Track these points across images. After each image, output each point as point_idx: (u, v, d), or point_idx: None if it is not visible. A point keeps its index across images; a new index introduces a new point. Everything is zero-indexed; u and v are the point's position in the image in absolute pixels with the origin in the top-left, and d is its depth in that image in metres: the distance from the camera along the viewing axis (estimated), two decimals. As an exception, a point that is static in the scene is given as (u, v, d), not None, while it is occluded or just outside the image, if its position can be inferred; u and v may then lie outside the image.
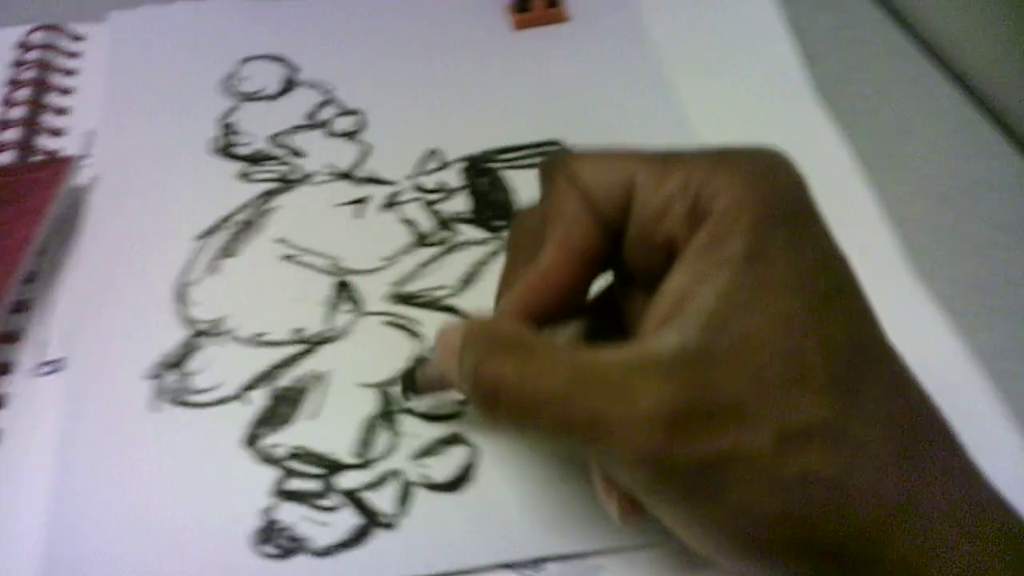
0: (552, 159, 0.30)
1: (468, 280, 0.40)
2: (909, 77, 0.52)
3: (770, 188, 0.26)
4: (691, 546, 0.27)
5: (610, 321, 0.30)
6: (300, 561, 0.32)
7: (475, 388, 0.27)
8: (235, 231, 0.42)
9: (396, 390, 0.36)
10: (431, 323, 0.39)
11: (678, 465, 0.25)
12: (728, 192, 0.26)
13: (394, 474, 0.34)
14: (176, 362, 0.37)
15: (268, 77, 0.50)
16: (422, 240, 0.42)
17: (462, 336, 0.29)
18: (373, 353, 0.38)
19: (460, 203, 0.44)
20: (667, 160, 0.28)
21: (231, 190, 0.44)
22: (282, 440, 0.35)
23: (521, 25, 0.54)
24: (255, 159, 0.45)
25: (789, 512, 0.25)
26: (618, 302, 0.31)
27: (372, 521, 0.32)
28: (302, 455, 0.34)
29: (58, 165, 0.43)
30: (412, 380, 0.34)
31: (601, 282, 0.31)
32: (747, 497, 0.25)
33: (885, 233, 0.43)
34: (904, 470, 0.25)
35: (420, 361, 0.36)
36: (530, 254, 0.30)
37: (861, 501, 0.25)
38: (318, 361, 0.37)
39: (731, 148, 0.28)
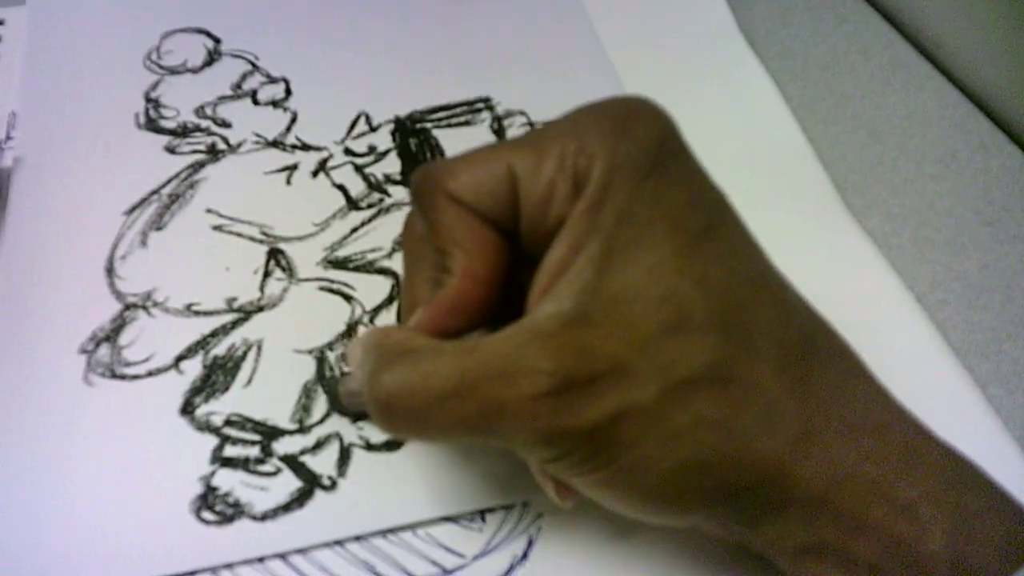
0: (424, 177, 0.28)
1: (401, 242, 0.40)
2: (837, 13, 0.52)
3: (633, 143, 0.26)
4: (613, 509, 0.27)
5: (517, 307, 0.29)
6: (241, 526, 0.31)
7: (369, 401, 0.26)
8: (164, 204, 0.41)
9: (332, 355, 0.36)
10: (366, 287, 0.38)
11: (569, 436, 0.25)
12: (599, 158, 0.26)
13: (332, 437, 0.34)
14: (107, 336, 0.36)
15: (190, 50, 0.49)
16: (353, 204, 0.42)
17: (361, 348, 0.28)
18: (308, 319, 0.37)
19: (390, 165, 0.43)
20: (538, 141, 0.27)
21: (158, 164, 0.43)
22: (218, 408, 0.34)
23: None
24: (181, 132, 0.45)
25: (686, 462, 0.25)
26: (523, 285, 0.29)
27: (312, 484, 0.32)
28: (239, 422, 0.34)
29: (-22, 147, 0.42)
30: (336, 397, 0.34)
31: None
32: (643, 454, 0.25)
33: (818, 172, 0.43)
34: (798, 401, 0.25)
35: (342, 376, 0.35)
36: (426, 264, 0.29)
37: (757, 439, 0.25)
38: (252, 329, 0.37)
39: (593, 105, 0.28)
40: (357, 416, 0.34)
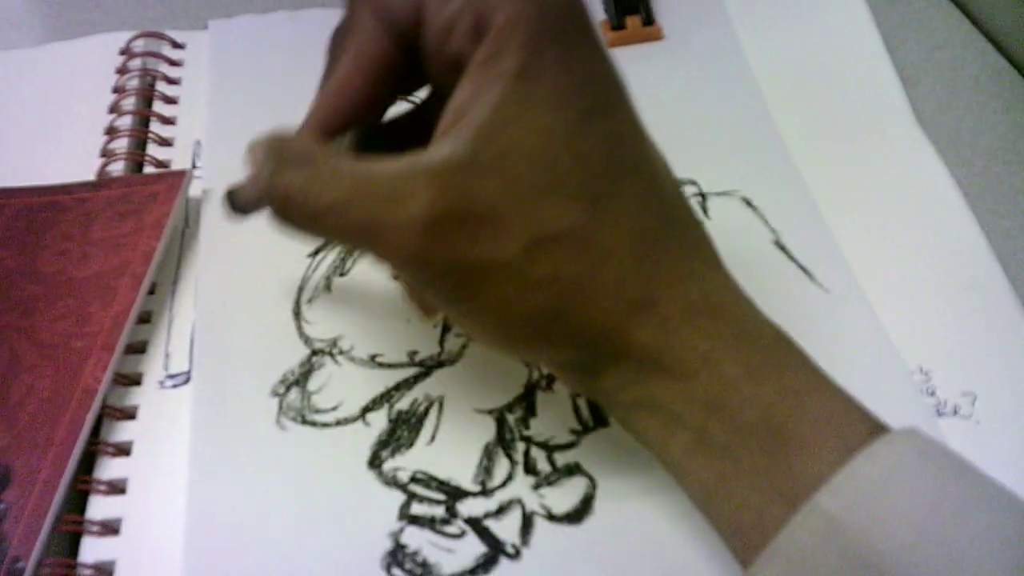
0: None
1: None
2: (1008, 102, 0.52)
3: (543, 6, 0.27)
4: (473, 339, 0.30)
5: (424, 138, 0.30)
6: (429, 587, 0.32)
7: (269, 198, 0.29)
8: (346, 249, 0.42)
9: (512, 417, 0.37)
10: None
11: (436, 265, 0.28)
12: (506, 7, 0.27)
13: (515, 503, 0.35)
14: (297, 380, 0.38)
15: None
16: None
17: (263, 151, 0.30)
18: (487, 377, 0.38)
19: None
20: None
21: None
22: (404, 464, 0.35)
23: (615, 43, 0.54)
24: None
25: (540, 309, 0.28)
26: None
27: (497, 550, 0.33)
28: (425, 480, 0.35)
29: (173, 178, 0.44)
30: (233, 197, 0.32)
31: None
32: (502, 295, 0.28)
33: (994, 267, 0.43)
34: (646, 275, 0.28)
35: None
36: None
37: (604, 299, 0.28)
38: (433, 385, 0.38)
39: None
40: (245, 212, 0.32)
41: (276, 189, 0.29)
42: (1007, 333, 0.40)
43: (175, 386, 0.38)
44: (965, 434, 0.37)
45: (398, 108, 0.33)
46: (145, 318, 0.40)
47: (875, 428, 0.27)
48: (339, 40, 0.31)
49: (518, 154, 0.27)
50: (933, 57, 0.54)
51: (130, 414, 0.37)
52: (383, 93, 0.31)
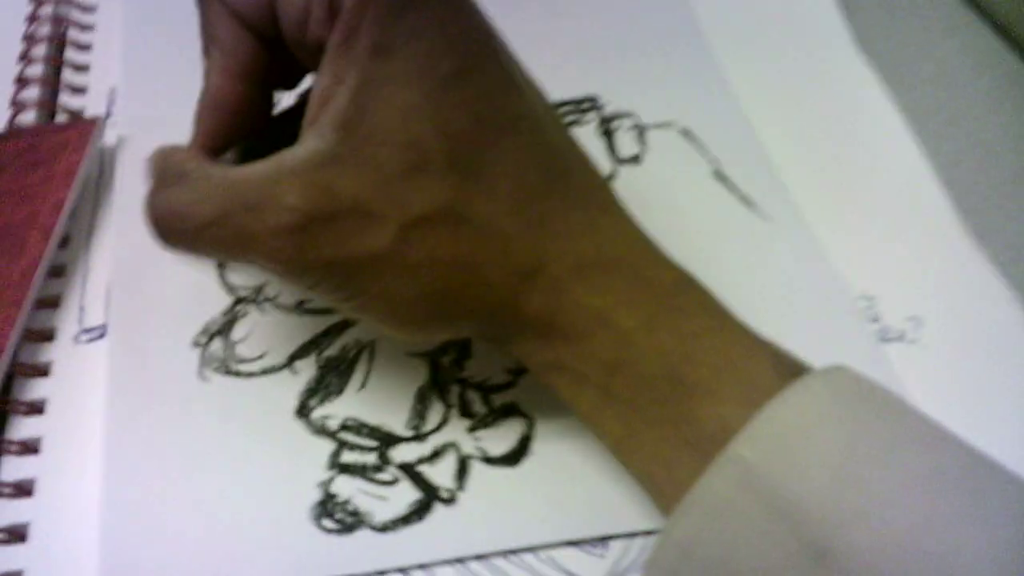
0: None
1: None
2: (950, 26, 0.51)
3: None
4: (377, 330, 0.30)
5: None
6: (361, 536, 0.31)
7: (147, 218, 0.28)
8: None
9: (447, 359, 0.35)
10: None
11: (312, 269, 0.27)
12: None
13: (450, 447, 0.33)
14: (220, 330, 0.36)
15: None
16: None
17: (147, 168, 0.29)
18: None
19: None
20: None
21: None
22: (333, 411, 0.34)
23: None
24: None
25: (426, 292, 0.27)
26: None
27: (431, 496, 0.32)
28: (355, 427, 0.34)
29: (84, 125, 0.41)
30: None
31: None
32: (385, 285, 0.27)
33: (938, 194, 0.42)
34: (532, 239, 0.27)
35: None
36: None
37: (490, 273, 0.27)
38: (363, 330, 0.36)
39: None
40: None
41: (152, 209, 0.28)
42: (951, 256, 0.40)
43: (91, 340, 0.36)
44: (911, 359, 0.37)
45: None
46: (59, 272, 0.38)
47: (782, 365, 0.27)
48: (204, 46, 0.30)
49: (379, 139, 0.26)
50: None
51: (43, 371, 0.35)
52: (261, 95, 0.30)
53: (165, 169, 0.28)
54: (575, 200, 0.28)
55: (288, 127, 0.29)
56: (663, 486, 0.27)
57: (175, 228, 0.27)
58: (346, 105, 0.26)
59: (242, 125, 0.29)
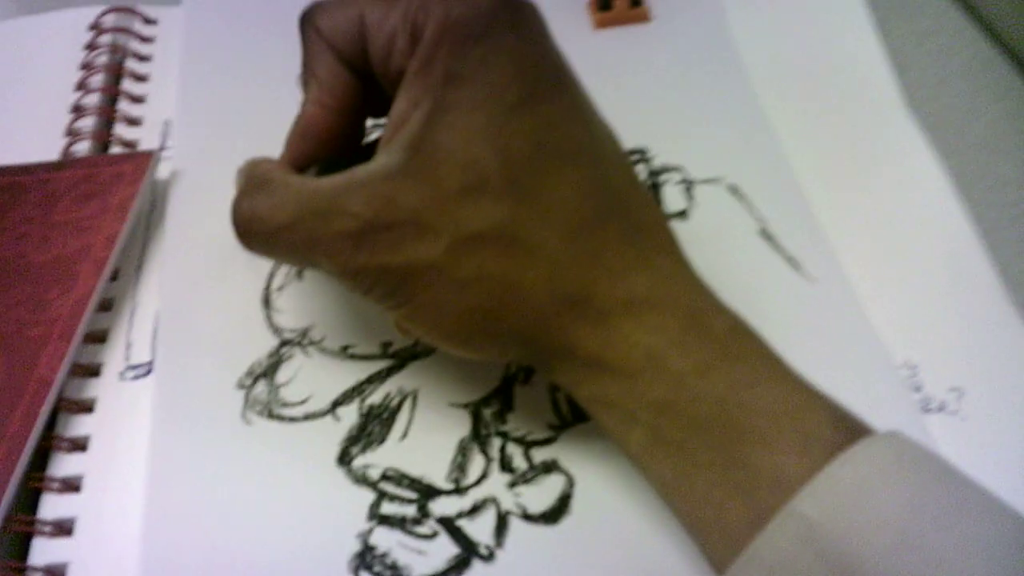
0: (304, 11, 0.32)
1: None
2: (1000, 90, 0.51)
3: (469, 8, 0.28)
4: (424, 341, 0.31)
5: None
6: (398, 590, 0.31)
7: (232, 220, 0.31)
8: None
9: (488, 411, 0.36)
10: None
11: (367, 272, 0.28)
12: (436, 14, 0.28)
13: (489, 502, 0.33)
14: (265, 372, 0.36)
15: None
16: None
17: (236, 177, 0.32)
18: (463, 370, 0.37)
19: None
20: None
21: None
22: (374, 461, 0.34)
23: (602, 24, 0.52)
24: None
25: (472, 307, 0.28)
26: None
27: (470, 552, 0.32)
28: (396, 478, 0.34)
29: (140, 158, 0.42)
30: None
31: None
32: (433, 296, 0.28)
33: (983, 262, 0.41)
34: (583, 268, 0.28)
35: None
36: None
37: (536, 295, 0.28)
38: (407, 378, 0.37)
39: None
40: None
41: (236, 213, 0.30)
42: (996, 328, 0.39)
43: (136, 378, 0.36)
44: (952, 430, 0.36)
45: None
46: (107, 305, 0.38)
47: (840, 421, 0.27)
48: (304, 73, 0.32)
49: (442, 158, 0.27)
50: (925, 43, 0.53)
51: (88, 407, 0.35)
52: (350, 124, 0.32)
53: (251, 177, 0.31)
54: (632, 237, 0.29)
55: (373, 153, 0.31)
56: (711, 532, 0.27)
57: (254, 230, 0.30)
58: (417, 127, 0.27)
59: (329, 150, 0.32)
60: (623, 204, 0.29)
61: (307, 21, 0.31)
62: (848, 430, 0.26)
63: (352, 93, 0.31)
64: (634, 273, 0.28)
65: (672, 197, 0.44)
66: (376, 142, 0.32)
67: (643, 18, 0.52)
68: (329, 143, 0.32)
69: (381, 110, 0.32)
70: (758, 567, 0.25)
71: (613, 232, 0.28)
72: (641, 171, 0.45)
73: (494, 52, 0.28)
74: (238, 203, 0.31)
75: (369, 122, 0.34)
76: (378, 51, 0.29)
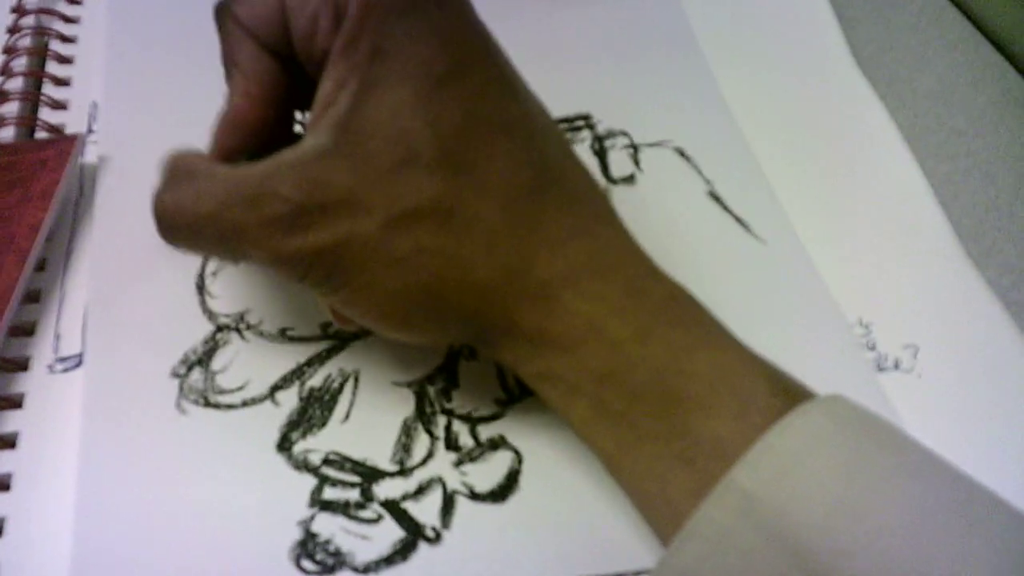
0: (218, 4, 0.31)
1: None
2: (948, 42, 0.50)
3: None
4: (365, 326, 0.30)
5: None
6: (342, 577, 0.30)
7: (154, 214, 0.29)
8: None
9: (433, 389, 0.35)
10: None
11: (299, 257, 0.27)
12: None
13: (435, 482, 0.32)
14: (200, 359, 0.35)
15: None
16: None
17: (159, 168, 0.30)
18: (406, 349, 0.36)
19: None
20: None
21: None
22: (316, 445, 0.33)
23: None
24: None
25: (409, 284, 0.27)
26: None
27: (416, 534, 0.31)
28: (338, 462, 0.33)
29: (64, 143, 0.40)
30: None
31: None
32: (370, 276, 0.27)
33: (936, 215, 0.41)
34: (521, 238, 0.27)
35: None
36: None
37: (475, 269, 0.27)
38: (348, 359, 0.36)
39: None
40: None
41: (158, 205, 0.29)
42: (950, 283, 0.39)
43: (66, 370, 0.35)
44: (906, 388, 0.36)
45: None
46: (34, 297, 0.37)
47: (778, 384, 0.26)
48: (225, 65, 0.31)
49: (371, 135, 0.26)
50: (871, -2, 0.52)
51: (16, 402, 0.34)
52: (278, 113, 0.31)
53: (175, 168, 0.30)
54: (568, 206, 0.28)
55: None
56: (656, 502, 0.27)
57: (177, 223, 0.29)
58: (344, 106, 0.27)
59: (261, 140, 0.30)
60: (559, 174, 0.29)
61: (223, 11, 0.30)
62: (787, 394, 0.26)
63: (278, 81, 0.30)
64: (573, 242, 0.28)
65: (619, 162, 0.43)
66: None
67: (587, -17, 0.51)
68: (258, 135, 0.30)
69: (307, 102, 0.31)
70: (698, 540, 0.24)
71: (551, 202, 0.28)
72: (586, 136, 0.44)
73: (419, 26, 0.27)
74: (160, 195, 0.29)
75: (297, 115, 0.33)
76: (301, 34, 0.28)
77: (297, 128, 0.33)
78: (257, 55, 0.30)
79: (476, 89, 0.28)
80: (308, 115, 0.29)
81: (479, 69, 0.28)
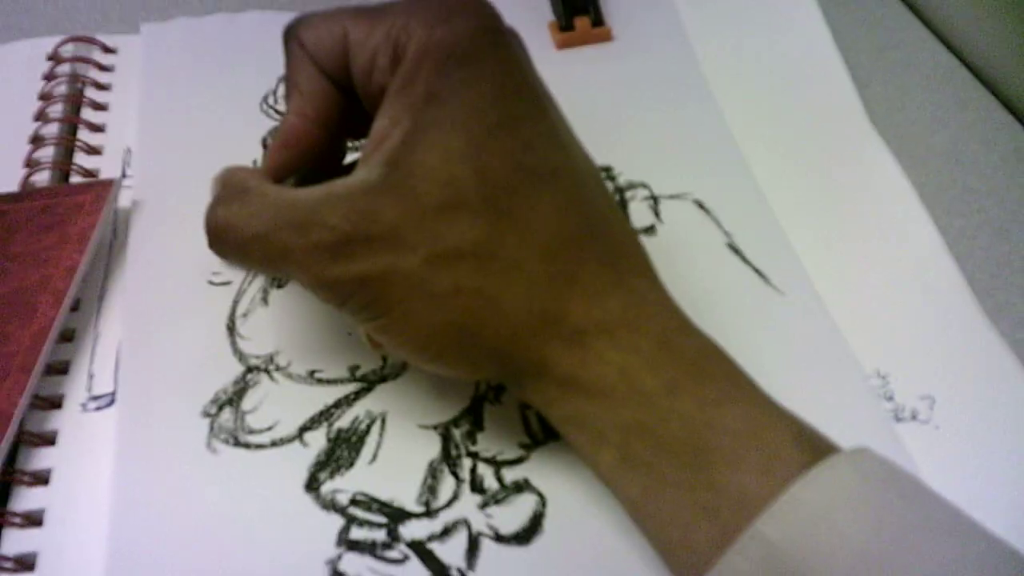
0: (289, 24, 0.32)
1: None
2: (960, 101, 0.51)
3: (451, 31, 0.28)
4: (399, 357, 0.31)
5: None
6: (369, 617, 0.30)
7: (206, 227, 0.30)
8: (276, 278, 0.40)
9: (459, 432, 0.35)
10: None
11: (341, 284, 0.28)
12: (418, 35, 0.28)
13: (460, 524, 0.33)
14: (230, 399, 0.36)
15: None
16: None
17: (212, 184, 0.32)
18: (432, 391, 0.36)
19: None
20: (375, 14, 0.30)
21: (277, 215, 0.42)
22: (343, 486, 0.34)
23: (564, 44, 0.52)
24: (301, 182, 0.44)
25: (447, 321, 0.28)
26: None
27: (441, 575, 0.31)
28: (365, 502, 0.33)
29: (100, 188, 0.41)
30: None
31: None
32: (409, 310, 0.28)
33: (951, 270, 0.42)
34: (559, 287, 0.28)
35: None
36: None
37: (512, 312, 0.28)
38: (375, 401, 0.36)
39: None
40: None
41: (210, 220, 0.30)
42: (965, 335, 0.40)
43: (99, 408, 0.35)
44: (924, 439, 0.36)
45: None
46: (68, 336, 0.38)
47: (804, 439, 0.27)
48: (286, 85, 0.32)
49: (421, 175, 0.27)
50: (885, 57, 0.54)
51: (49, 440, 0.35)
52: (331, 139, 0.32)
53: (228, 184, 0.31)
54: (608, 258, 0.29)
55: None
56: (679, 550, 0.27)
57: (228, 239, 0.30)
58: (396, 144, 0.28)
59: (308, 162, 0.32)
60: (601, 226, 0.30)
61: (291, 34, 0.32)
62: (812, 448, 0.26)
63: (333, 106, 0.31)
64: (611, 294, 0.29)
65: (639, 213, 0.44)
66: (356, 163, 0.32)
67: (605, 38, 0.53)
68: (309, 155, 0.32)
69: (361, 131, 0.32)
70: None
71: (590, 253, 0.29)
72: (608, 188, 0.44)
73: (475, 74, 0.28)
74: (213, 210, 0.30)
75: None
76: (360, 68, 0.30)
77: (350, 157, 0.34)
78: (316, 79, 0.31)
79: (526, 141, 0.28)
80: (362, 143, 0.31)
81: (530, 122, 0.29)
